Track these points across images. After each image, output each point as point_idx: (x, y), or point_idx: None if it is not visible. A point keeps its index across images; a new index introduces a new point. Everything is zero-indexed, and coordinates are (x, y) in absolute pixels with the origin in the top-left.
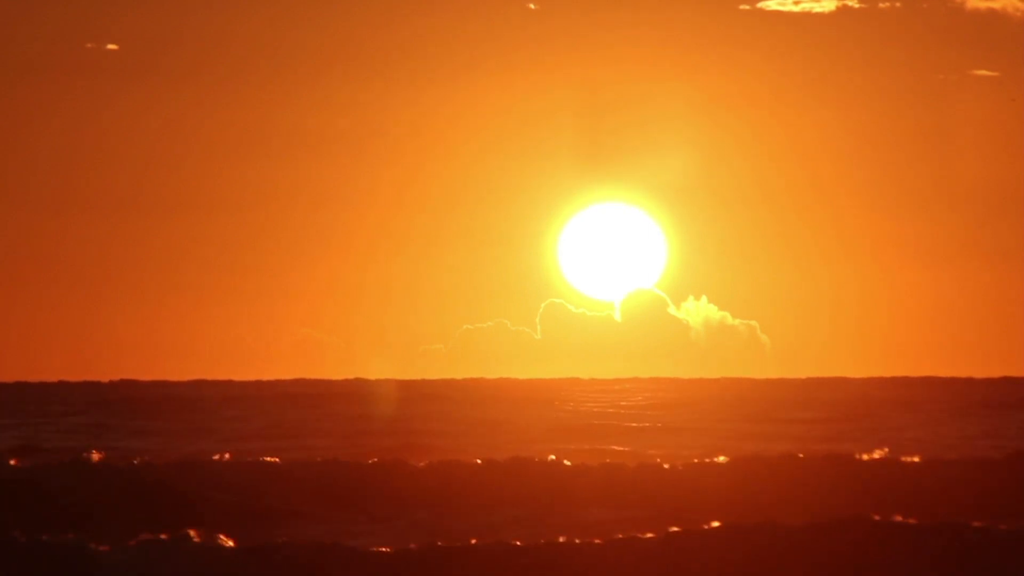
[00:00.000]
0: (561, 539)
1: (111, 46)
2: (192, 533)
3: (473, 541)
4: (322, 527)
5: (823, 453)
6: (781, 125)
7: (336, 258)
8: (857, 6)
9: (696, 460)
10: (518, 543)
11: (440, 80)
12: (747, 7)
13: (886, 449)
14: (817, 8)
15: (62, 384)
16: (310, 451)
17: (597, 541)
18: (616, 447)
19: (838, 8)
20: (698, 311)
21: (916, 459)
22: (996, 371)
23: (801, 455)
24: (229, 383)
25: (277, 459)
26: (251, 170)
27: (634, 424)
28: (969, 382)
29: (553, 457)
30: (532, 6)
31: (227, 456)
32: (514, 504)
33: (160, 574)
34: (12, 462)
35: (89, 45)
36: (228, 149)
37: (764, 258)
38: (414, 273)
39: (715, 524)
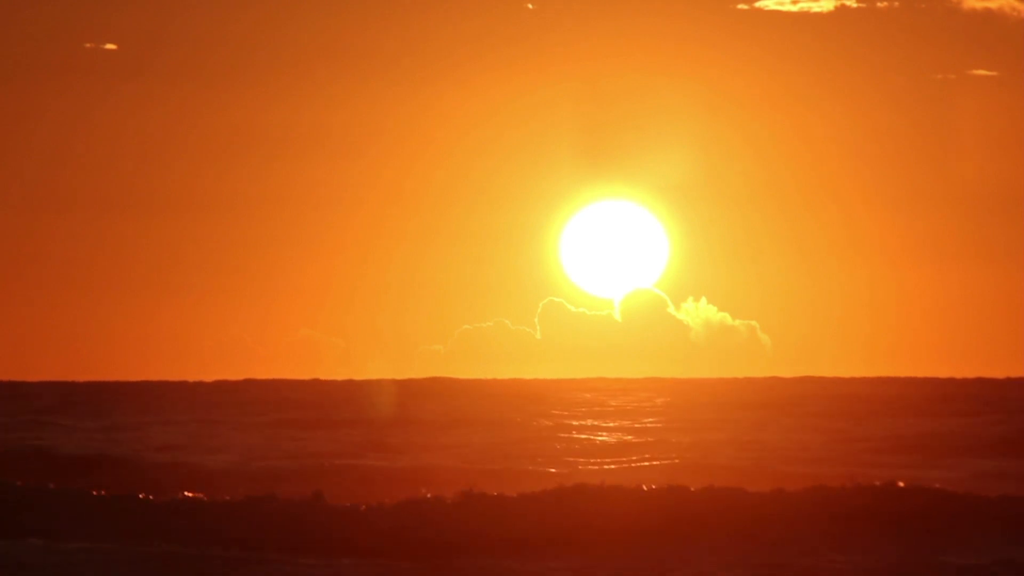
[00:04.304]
0: None
1: (110, 46)
2: None
3: None
4: None
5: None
6: (778, 125)
7: (335, 258)
8: (855, 6)
9: None
10: None
11: (439, 79)
12: (745, 6)
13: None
14: (815, 8)
15: (59, 384)
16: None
17: None
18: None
19: (836, 8)
20: (698, 312)
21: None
22: (995, 371)
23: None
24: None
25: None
26: (249, 170)
27: None
28: (961, 382)
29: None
30: (530, 6)
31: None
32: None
33: None
34: None
35: (88, 45)
36: (226, 148)
37: (764, 258)
38: (413, 273)
39: None
